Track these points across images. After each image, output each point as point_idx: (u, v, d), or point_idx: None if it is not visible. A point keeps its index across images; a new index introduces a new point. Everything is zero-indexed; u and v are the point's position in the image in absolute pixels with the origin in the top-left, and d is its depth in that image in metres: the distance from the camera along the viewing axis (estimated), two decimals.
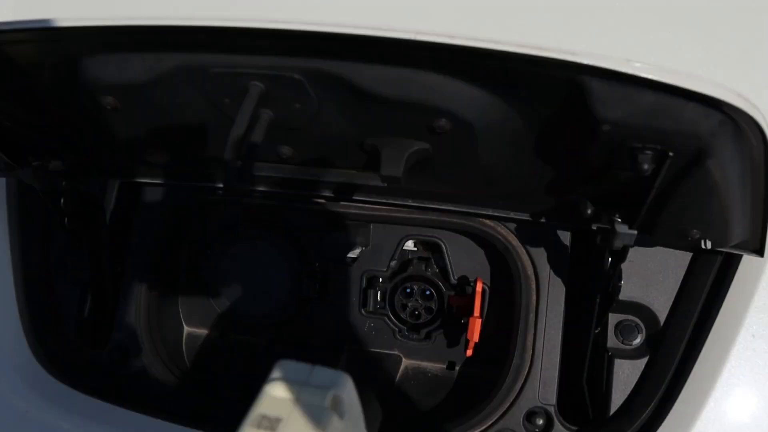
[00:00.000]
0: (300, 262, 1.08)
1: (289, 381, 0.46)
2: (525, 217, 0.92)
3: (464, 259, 1.05)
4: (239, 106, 0.69)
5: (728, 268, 0.91)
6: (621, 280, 0.86)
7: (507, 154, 0.74)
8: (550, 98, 0.65)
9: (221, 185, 0.98)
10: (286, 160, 0.83)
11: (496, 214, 0.92)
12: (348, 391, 0.48)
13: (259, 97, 0.69)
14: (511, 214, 0.92)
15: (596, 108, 0.62)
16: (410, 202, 0.94)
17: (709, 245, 0.83)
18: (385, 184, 0.81)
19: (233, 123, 0.68)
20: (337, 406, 0.46)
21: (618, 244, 0.78)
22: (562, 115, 0.67)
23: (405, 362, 1.09)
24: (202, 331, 1.17)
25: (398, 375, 1.09)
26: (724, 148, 0.64)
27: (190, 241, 1.14)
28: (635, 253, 0.96)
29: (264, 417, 0.44)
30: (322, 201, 1.03)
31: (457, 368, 1.08)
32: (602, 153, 0.69)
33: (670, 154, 0.64)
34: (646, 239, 0.92)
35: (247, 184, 0.98)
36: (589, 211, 0.80)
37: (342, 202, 1.02)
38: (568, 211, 0.86)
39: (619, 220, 0.78)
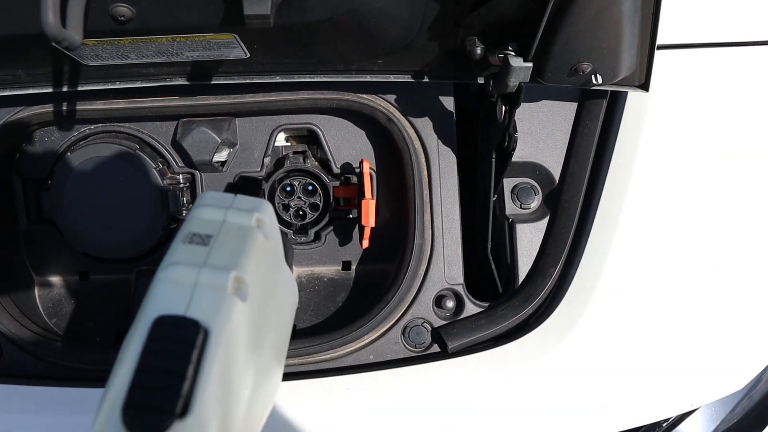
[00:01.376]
0: (161, 175, 0.94)
1: (215, 206, 0.48)
2: (407, 78, 0.83)
3: (345, 145, 0.95)
4: None
5: (614, 112, 0.89)
6: (516, 131, 0.81)
7: None
8: None
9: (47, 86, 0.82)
10: (125, 28, 0.68)
11: (374, 78, 0.83)
12: (270, 215, 0.50)
13: None
14: (392, 77, 0.83)
15: None
16: (278, 78, 0.83)
17: (600, 80, 0.78)
18: (226, 51, 0.69)
19: None
20: (261, 227, 0.48)
21: (513, 81, 0.72)
22: None
23: (296, 271, 0.99)
24: (57, 279, 1.00)
25: None
26: None
27: (22, 172, 0.96)
28: (522, 111, 0.91)
29: (194, 234, 0.46)
30: (175, 98, 0.89)
31: (353, 267, 0.99)
32: None
33: None
34: (529, 93, 0.88)
35: (78, 80, 0.82)
36: (478, 51, 0.73)
37: (199, 97, 0.89)
38: (456, 59, 0.78)
39: (512, 53, 0.71)
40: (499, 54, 0.72)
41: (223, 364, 0.38)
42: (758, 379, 0.95)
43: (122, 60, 0.77)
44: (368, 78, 0.83)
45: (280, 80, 0.83)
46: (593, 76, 0.78)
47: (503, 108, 0.79)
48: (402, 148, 0.89)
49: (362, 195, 0.88)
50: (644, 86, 0.83)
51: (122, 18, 0.66)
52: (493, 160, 0.86)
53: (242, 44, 0.74)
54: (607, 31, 0.71)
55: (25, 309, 0.95)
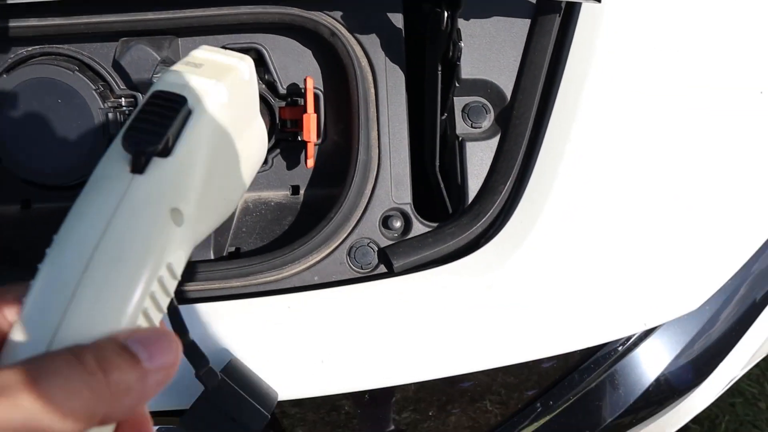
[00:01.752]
0: (102, 98, 0.90)
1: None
2: None
3: (291, 64, 0.92)
4: None
5: (567, 25, 0.86)
6: (460, 39, 0.78)
7: None
8: None
9: None
10: None
11: None
12: (251, 65, 0.55)
13: None
14: None
15: None
16: None
17: None
18: None
19: None
20: (243, 68, 0.53)
21: None
22: None
23: (243, 196, 0.96)
24: None
25: (236, 212, 0.95)
26: None
27: None
28: (473, 27, 0.88)
29: (188, 62, 0.50)
30: (112, 15, 0.86)
31: (302, 191, 0.97)
32: None
33: None
34: (479, 8, 0.85)
35: None
36: None
37: (137, 13, 0.86)
38: None
39: None
40: None
41: (203, 133, 0.46)
42: (716, 318, 0.93)
43: None
44: None
45: None
46: None
47: (446, 14, 0.76)
48: (347, 63, 0.86)
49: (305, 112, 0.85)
50: None
51: None
52: (439, 72, 0.83)
53: None
54: None
55: None
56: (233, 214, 0.94)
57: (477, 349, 0.82)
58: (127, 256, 0.39)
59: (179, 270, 0.44)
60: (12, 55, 0.91)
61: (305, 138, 0.84)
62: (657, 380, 0.92)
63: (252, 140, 0.57)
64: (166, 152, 0.43)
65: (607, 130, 0.83)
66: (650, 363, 0.91)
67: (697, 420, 1.84)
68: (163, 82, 0.47)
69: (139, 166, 0.42)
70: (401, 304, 0.82)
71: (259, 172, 0.95)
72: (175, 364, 0.37)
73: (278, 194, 0.96)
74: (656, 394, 0.92)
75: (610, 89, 0.84)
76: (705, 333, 0.94)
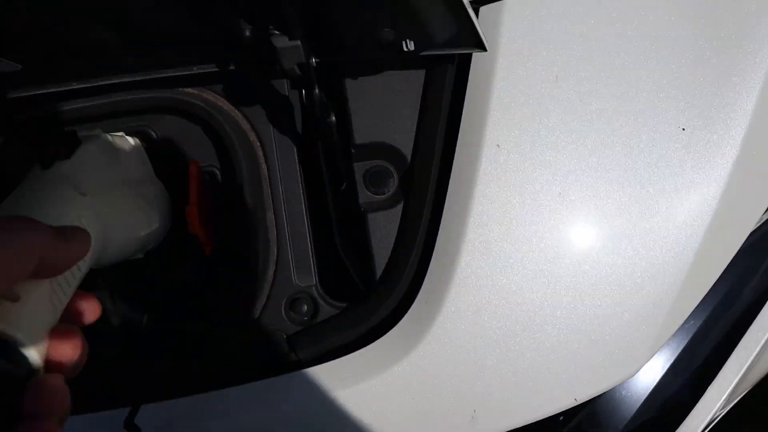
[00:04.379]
0: None
1: None
2: (211, 68, 0.75)
3: (182, 143, 0.87)
4: None
5: (461, 77, 0.78)
6: (330, 116, 0.71)
7: None
8: None
9: None
10: None
11: (176, 74, 0.74)
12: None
13: None
14: (195, 69, 0.74)
15: None
16: (74, 85, 0.75)
17: (411, 46, 0.68)
18: None
19: None
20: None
21: (288, 64, 0.62)
22: None
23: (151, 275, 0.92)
24: None
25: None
26: None
27: None
28: (363, 87, 0.81)
29: None
30: None
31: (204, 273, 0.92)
32: None
33: None
34: (364, 67, 0.78)
35: None
36: (247, 33, 0.63)
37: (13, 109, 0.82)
38: (237, 42, 0.69)
39: (276, 32, 0.62)
40: (268, 33, 0.63)
41: (90, 153, 0.64)
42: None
43: None
44: (170, 73, 0.75)
45: (77, 86, 0.75)
46: (403, 43, 0.68)
47: (303, 92, 0.69)
48: (228, 144, 0.81)
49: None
50: (479, 45, 0.72)
51: None
52: (320, 149, 0.77)
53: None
54: None
55: None
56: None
57: None
58: (46, 199, 0.54)
59: (90, 229, 0.53)
60: None
61: (190, 230, 0.79)
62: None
63: (150, 192, 0.78)
64: (63, 156, 0.60)
65: (511, 193, 0.74)
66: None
67: None
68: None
69: (46, 164, 0.59)
70: (308, 404, 0.77)
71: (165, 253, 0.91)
72: (86, 242, 0.49)
73: (186, 277, 0.92)
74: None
75: (510, 143, 0.75)
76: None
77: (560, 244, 0.74)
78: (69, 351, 0.47)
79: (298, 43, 0.60)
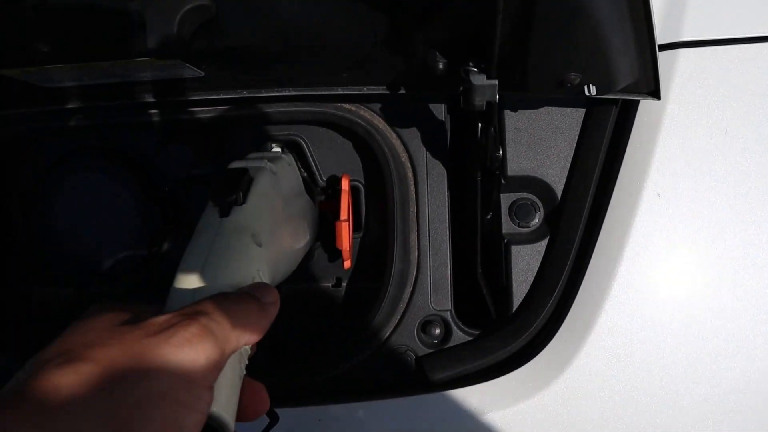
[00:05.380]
0: (144, 189, 0.91)
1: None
2: (382, 90, 0.76)
3: (331, 156, 0.89)
4: None
5: (625, 120, 0.77)
6: (499, 150, 0.71)
7: None
8: None
9: None
10: (55, 56, 0.64)
11: (347, 92, 0.76)
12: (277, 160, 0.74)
13: None
14: (365, 90, 0.76)
15: None
16: (245, 93, 0.77)
17: (593, 90, 0.68)
18: (178, 71, 0.64)
19: None
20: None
21: (479, 100, 0.63)
22: None
23: (286, 287, 0.94)
24: (48, 291, 1.00)
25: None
26: None
27: (17, 185, 0.96)
28: (522, 119, 0.81)
29: (247, 156, 0.73)
30: (155, 111, 0.85)
31: (344, 284, 0.94)
32: None
33: None
34: (528, 100, 0.78)
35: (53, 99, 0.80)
36: (441, 66, 0.64)
37: (178, 110, 0.85)
38: (424, 71, 0.70)
39: (474, 69, 0.62)
40: (463, 69, 0.64)
41: (261, 193, 0.64)
42: None
43: (77, 82, 0.73)
44: (340, 91, 0.76)
45: (248, 95, 0.78)
46: (585, 87, 0.68)
47: (479, 126, 0.70)
48: (382, 163, 0.82)
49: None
50: (654, 94, 0.71)
51: (44, 49, 0.62)
52: (479, 179, 0.77)
53: (189, 65, 0.68)
54: (588, 39, 0.61)
55: (22, 322, 0.96)
56: None
57: None
58: (231, 254, 0.57)
59: (265, 278, 0.59)
60: (63, 148, 0.93)
61: (338, 246, 0.81)
62: None
63: (303, 207, 0.79)
64: (240, 201, 0.61)
65: (666, 245, 0.74)
66: None
67: None
68: (232, 164, 0.69)
69: (225, 212, 0.61)
70: (436, 423, 0.78)
71: (302, 264, 0.93)
72: (277, 301, 0.53)
73: (321, 286, 0.94)
74: None
75: (672, 196, 0.75)
76: None
77: (718, 305, 0.73)
78: (258, 407, 0.53)
79: (495, 82, 0.61)
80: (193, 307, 0.48)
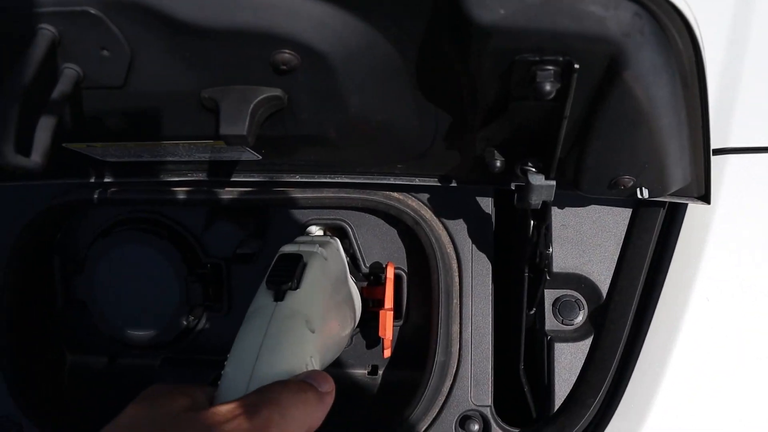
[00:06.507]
0: (188, 264, 0.91)
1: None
2: (433, 182, 0.77)
3: (376, 243, 0.90)
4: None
5: (672, 222, 0.78)
6: (549, 248, 0.72)
7: (379, 95, 0.59)
8: (415, 7, 0.50)
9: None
10: (121, 134, 0.67)
11: (398, 182, 0.77)
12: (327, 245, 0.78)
13: (51, 45, 0.53)
14: (416, 180, 0.77)
15: (472, 10, 0.47)
16: (298, 178, 0.79)
17: (646, 194, 0.69)
18: (237, 153, 0.66)
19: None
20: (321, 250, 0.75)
21: (535, 200, 0.64)
22: (433, 30, 0.52)
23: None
24: (85, 360, 1.00)
25: None
26: (642, 53, 0.50)
27: (61, 253, 0.97)
28: (568, 216, 0.82)
29: (297, 240, 0.79)
30: (204, 189, 0.87)
31: (380, 372, 0.92)
32: (492, 77, 0.54)
33: (576, 66, 0.50)
34: (575, 197, 0.79)
35: (105, 173, 0.82)
36: (498, 164, 0.65)
37: (227, 189, 0.87)
38: (479, 167, 0.71)
39: (533, 169, 0.64)
40: (521, 168, 0.65)
41: (314, 279, 0.67)
42: None
43: (137, 158, 0.75)
44: (392, 180, 0.78)
45: (300, 179, 0.79)
46: (638, 190, 0.69)
47: (531, 223, 0.70)
48: (429, 254, 0.83)
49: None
50: (704, 198, 0.72)
51: (115, 128, 0.64)
52: (526, 275, 0.77)
53: (249, 149, 0.70)
54: (647, 146, 0.62)
55: (52, 387, 0.96)
56: None
57: None
58: (286, 340, 0.58)
59: (317, 365, 0.60)
60: (109, 218, 0.94)
61: (380, 334, 0.80)
62: None
63: (349, 293, 0.80)
64: (295, 287, 0.64)
65: (716, 351, 0.73)
66: None
67: None
68: (286, 249, 0.73)
69: (280, 297, 0.63)
70: None
71: None
72: (333, 390, 0.54)
73: (357, 373, 0.93)
74: None
75: (721, 299, 0.74)
76: None
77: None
78: None
79: (554, 183, 0.62)
80: (254, 397, 0.48)
